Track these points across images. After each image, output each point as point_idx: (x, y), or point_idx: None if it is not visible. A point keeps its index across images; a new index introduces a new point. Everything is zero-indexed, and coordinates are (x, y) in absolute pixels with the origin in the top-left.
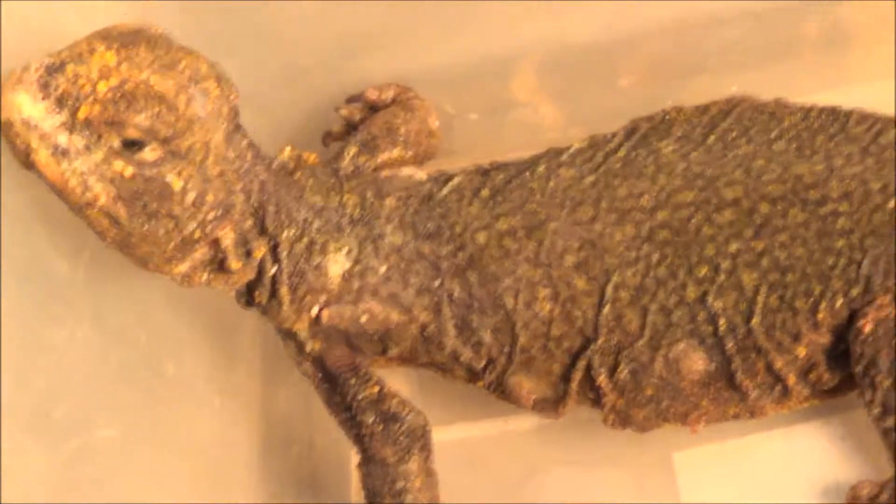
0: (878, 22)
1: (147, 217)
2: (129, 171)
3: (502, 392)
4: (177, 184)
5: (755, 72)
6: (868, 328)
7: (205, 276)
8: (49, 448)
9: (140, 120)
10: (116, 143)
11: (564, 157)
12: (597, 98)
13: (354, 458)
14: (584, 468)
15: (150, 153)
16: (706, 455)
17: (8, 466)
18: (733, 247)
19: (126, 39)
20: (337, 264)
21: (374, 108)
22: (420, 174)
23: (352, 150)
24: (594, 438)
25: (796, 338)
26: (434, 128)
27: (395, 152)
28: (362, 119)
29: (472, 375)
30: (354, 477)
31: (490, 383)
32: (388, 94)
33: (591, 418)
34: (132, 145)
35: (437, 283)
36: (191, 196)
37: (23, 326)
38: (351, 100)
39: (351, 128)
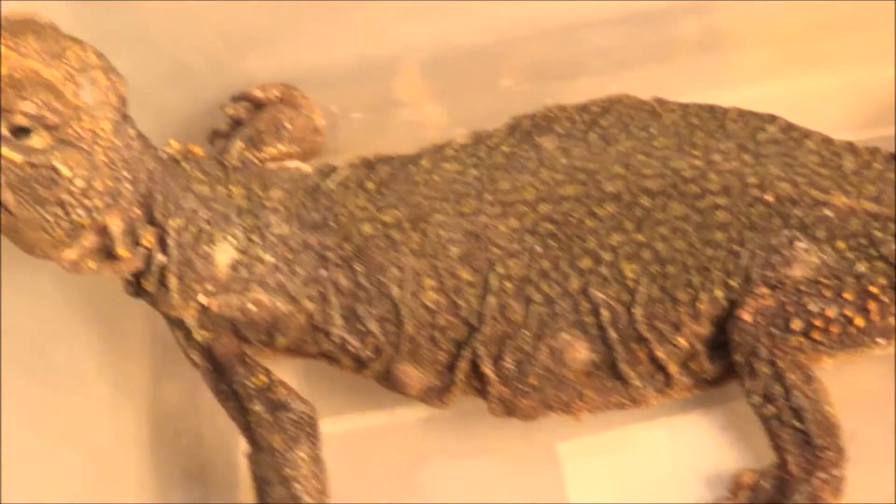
0: (751, 25)
1: (35, 203)
2: (17, 157)
3: (389, 381)
4: (65, 171)
5: (633, 73)
6: (747, 318)
7: (93, 264)
8: None
9: (27, 107)
10: (5, 131)
11: (448, 152)
12: (479, 98)
13: (242, 448)
14: (469, 458)
15: (38, 140)
16: (589, 445)
17: None
18: (615, 239)
19: (14, 28)
20: (224, 253)
21: (259, 107)
22: (305, 167)
23: (238, 145)
24: (480, 428)
25: (677, 328)
26: (319, 125)
27: (281, 148)
28: (248, 118)
29: (359, 365)
30: (243, 467)
31: (377, 373)
32: (273, 93)
33: (477, 408)
34: (20, 132)
35: (323, 273)
36: (79, 183)
37: None
38: (236, 98)
39: (237, 126)
